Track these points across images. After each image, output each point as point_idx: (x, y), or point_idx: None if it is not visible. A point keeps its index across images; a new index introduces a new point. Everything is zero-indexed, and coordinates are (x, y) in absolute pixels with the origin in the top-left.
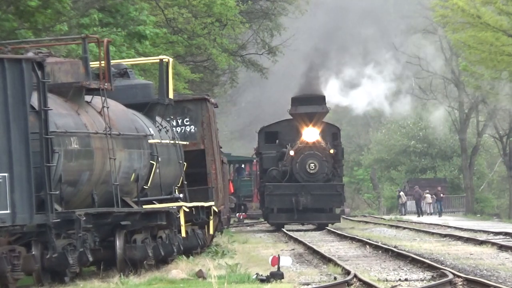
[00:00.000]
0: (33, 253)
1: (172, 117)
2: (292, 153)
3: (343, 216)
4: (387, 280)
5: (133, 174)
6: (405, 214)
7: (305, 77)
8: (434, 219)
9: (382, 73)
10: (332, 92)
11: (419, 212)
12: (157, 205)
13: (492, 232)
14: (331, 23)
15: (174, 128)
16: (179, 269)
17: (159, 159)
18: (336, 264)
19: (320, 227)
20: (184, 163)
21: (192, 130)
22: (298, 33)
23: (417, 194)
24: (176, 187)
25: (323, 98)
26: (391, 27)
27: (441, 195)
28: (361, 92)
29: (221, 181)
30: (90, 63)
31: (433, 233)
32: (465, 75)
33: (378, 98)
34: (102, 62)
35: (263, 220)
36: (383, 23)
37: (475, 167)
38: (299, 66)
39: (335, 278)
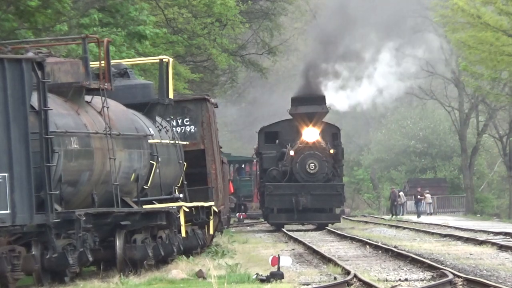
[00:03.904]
0: (33, 253)
1: (172, 117)
2: (292, 153)
3: (343, 216)
4: (387, 280)
5: (133, 174)
6: (403, 214)
7: (305, 77)
8: (413, 218)
9: (382, 72)
10: (332, 92)
11: (393, 212)
12: (157, 205)
13: (492, 232)
14: (331, 23)
15: (174, 128)
16: (179, 269)
17: (159, 159)
18: (336, 264)
19: (320, 227)
20: (184, 163)
21: (192, 130)
22: (298, 33)
23: (393, 195)
24: (176, 187)
25: (323, 98)
26: (391, 27)
27: (419, 196)
28: (358, 91)
29: (221, 181)
30: (90, 63)
31: (433, 233)
32: (465, 75)
33: (377, 97)
34: (102, 62)
35: (263, 220)
36: (383, 22)
37: (475, 167)
38: (299, 66)
39: (335, 278)
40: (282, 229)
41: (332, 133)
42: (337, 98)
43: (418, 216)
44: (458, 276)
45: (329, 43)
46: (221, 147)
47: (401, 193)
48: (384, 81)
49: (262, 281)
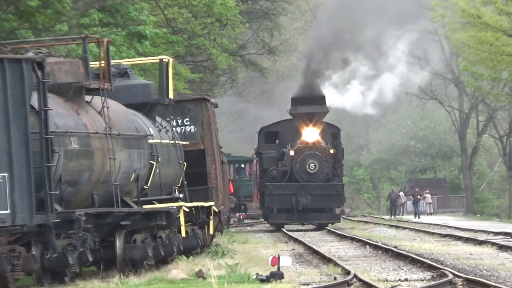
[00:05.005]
0: (33, 253)
1: (172, 117)
2: (292, 153)
3: (343, 216)
4: (387, 280)
5: (133, 174)
6: (403, 214)
7: (305, 77)
8: (411, 218)
9: (382, 72)
10: (331, 93)
11: (393, 212)
12: (157, 205)
13: (492, 232)
14: (331, 23)
15: (174, 128)
16: (179, 269)
17: (159, 159)
18: (336, 264)
19: (320, 227)
20: (184, 163)
21: (192, 130)
22: (298, 33)
23: (394, 195)
24: (176, 187)
25: (323, 98)
26: (391, 27)
27: (418, 196)
28: (358, 92)
29: (221, 181)
30: (90, 63)
31: (433, 233)
32: (465, 75)
33: (377, 97)
34: (102, 62)
35: (263, 220)
36: (383, 22)
37: (475, 167)
38: (299, 66)
39: (335, 278)
40: (282, 229)
41: (332, 133)
42: (356, 98)
43: (417, 216)
44: (458, 276)
45: (342, 29)
46: (221, 147)
47: (401, 193)
48: (405, 70)
49: (262, 281)
